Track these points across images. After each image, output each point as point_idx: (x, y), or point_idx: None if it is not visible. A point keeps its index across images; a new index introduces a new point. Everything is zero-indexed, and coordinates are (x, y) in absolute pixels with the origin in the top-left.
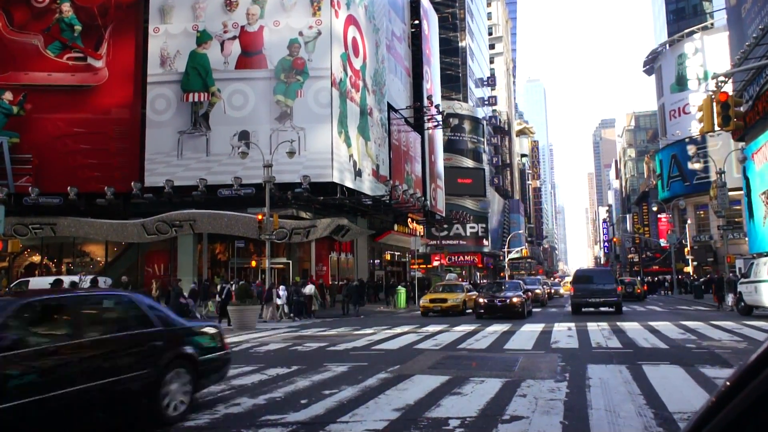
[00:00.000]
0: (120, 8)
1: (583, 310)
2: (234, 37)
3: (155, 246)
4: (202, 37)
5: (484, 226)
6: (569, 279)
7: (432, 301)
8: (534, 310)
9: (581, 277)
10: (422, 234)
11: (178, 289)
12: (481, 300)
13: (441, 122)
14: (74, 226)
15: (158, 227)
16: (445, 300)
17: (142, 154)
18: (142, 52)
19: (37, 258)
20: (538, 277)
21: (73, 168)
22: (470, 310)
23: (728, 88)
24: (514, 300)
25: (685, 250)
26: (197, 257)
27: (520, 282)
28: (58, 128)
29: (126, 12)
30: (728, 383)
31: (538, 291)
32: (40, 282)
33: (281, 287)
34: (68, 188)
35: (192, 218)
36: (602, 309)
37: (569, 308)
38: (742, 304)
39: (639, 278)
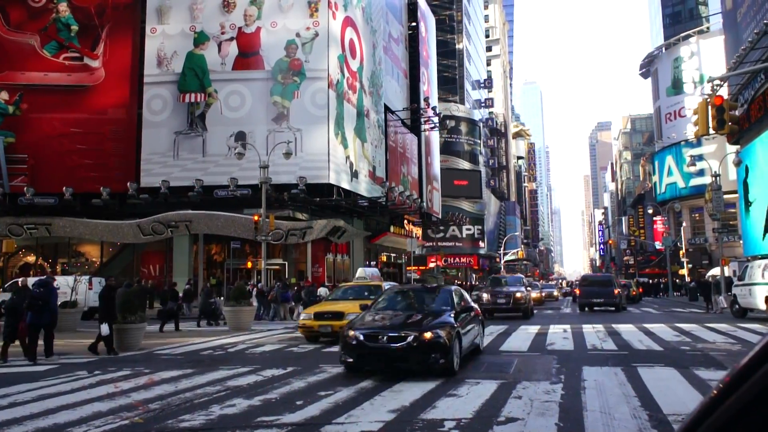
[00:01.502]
0: (117, 8)
1: (586, 309)
2: (231, 38)
3: (151, 246)
4: (200, 38)
5: (480, 227)
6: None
7: (319, 316)
8: (510, 317)
9: (586, 282)
10: (418, 236)
11: (209, 290)
12: (351, 333)
13: (437, 124)
14: (69, 226)
15: (154, 228)
16: (341, 315)
17: (138, 154)
18: (139, 53)
19: (31, 258)
20: (519, 275)
21: (68, 168)
22: None
23: (724, 91)
24: (426, 335)
25: (680, 252)
26: (193, 258)
27: (455, 290)
28: (54, 128)
29: (123, 12)
30: (721, 385)
31: (518, 295)
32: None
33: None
34: (64, 188)
35: (188, 219)
36: (601, 308)
37: (566, 310)
38: (737, 306)
39: (634, 280)
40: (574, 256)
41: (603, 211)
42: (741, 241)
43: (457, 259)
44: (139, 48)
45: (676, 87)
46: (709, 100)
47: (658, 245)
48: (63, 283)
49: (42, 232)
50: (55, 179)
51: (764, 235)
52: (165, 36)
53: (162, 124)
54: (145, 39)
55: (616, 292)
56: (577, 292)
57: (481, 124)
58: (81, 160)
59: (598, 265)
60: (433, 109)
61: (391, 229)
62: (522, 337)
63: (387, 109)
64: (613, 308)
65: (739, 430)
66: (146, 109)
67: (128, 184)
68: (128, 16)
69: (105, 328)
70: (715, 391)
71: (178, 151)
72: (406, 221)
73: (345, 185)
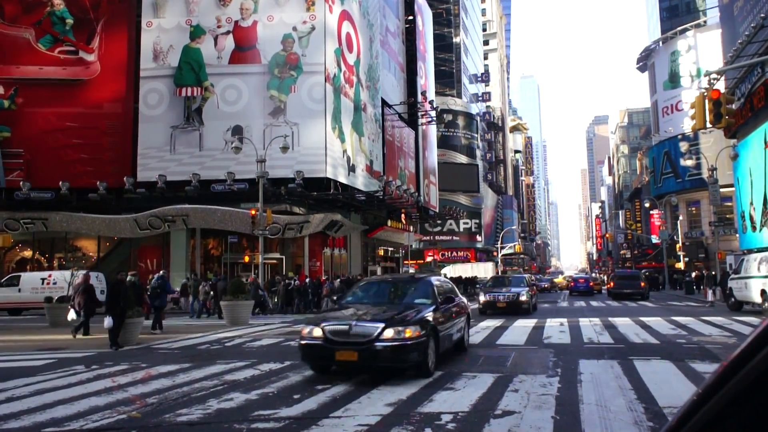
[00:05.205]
0: (112, 2)
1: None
2: (227, 32)
3: (148, 241)
4: (196, 32)
5: (477, 221)
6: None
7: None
8: None
9: (619, 276)
10: (416, 230)
11: (257, 283)
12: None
13: (435, 118)
14: (66, 220)
15: (151, 222)
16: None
17: (134, 148)
18: (135, 47)
19: (28, 253)
20: (523, 275)
21: (65, 162)
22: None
23: (720, 85)
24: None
25: (677, 246)
26: (190, 252)
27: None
28: (50, 122)
29: (118, 6)
30: (713, 377)
31: (523, 298)
32: (31, 277)
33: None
34: (60, 183)
35: (185, 213)
36: (631, 298)
37: (563, 303)
38: (733, 299)
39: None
40: (572, 250)
41: (600, 204)
42: (737, 235)
43: (455, 253)
44: (135, 42)
45: (673, 81)
46: (706, 93)
47: (654, 239)
48: (59, 278)
49: (39, 227)
50: (51, 174)
51: (760, 228)
52: (161, 29)
53: (158, 118)
54: (140, 33)
55: (642, 284)
56: (611, 284)
57: (478, 118)
58: (77, 155)
59: (594, 259)
60: (431, 103)
61: (389, 223)
62: (519, 330)
63: (384, 103)
64: (639, 297)
65: (729, 422)
66: (142, 103)
67: (125, 178)
68: (124, 10)
69: (108, 321)
70: (706, 384)
71: (175, 146)
72: (403, 215)
73: (342, 179)
